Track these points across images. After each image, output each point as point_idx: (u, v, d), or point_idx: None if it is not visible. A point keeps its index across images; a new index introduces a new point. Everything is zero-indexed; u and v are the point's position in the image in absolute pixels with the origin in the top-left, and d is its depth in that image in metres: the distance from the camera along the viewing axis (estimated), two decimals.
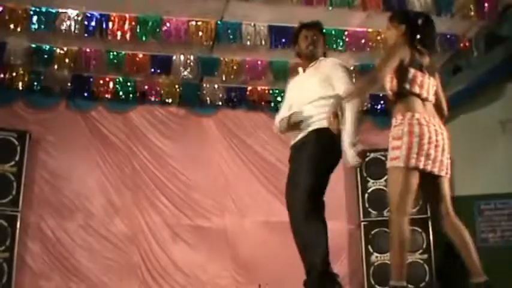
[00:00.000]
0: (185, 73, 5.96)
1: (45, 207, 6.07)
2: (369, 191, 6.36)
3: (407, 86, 2.94)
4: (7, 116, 6.10)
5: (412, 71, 2.96)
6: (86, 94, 6.35)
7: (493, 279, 2.88)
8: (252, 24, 5.45)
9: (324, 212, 3.19)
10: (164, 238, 6.32)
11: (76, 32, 5.18)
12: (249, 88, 6.63)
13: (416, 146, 2.80)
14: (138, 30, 5.29)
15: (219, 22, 5.42)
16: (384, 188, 5.72)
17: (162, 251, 6.26)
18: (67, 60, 5.78)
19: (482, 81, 5.69)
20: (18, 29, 5.13)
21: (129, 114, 6.57)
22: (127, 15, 5.29)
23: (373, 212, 6.27)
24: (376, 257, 6.15)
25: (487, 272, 2.89)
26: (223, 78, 6.17)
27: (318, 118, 3.26)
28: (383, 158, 5.97)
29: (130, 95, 6.42)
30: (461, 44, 5.66)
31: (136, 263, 6.18)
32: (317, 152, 3.20)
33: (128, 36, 5.29)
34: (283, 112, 3.59)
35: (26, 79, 6.05)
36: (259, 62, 6.09)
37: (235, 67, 6.05)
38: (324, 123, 3.17)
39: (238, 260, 6.35)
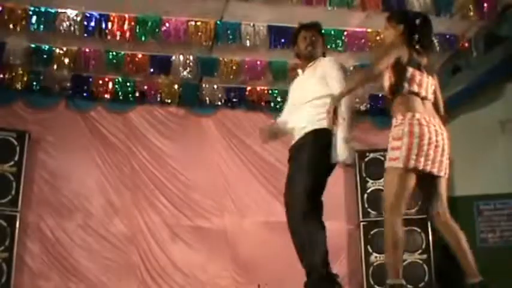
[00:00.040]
0: (184, 73, 5.96)
1: (45, 207, 6.07)
2: (368, 191, 6.36)
3: (406, 85, 2.94)
4: (6, 116, 6.11)
5: (410, 69, 2.96)
6: (85, 94, 6.34)
7: (493, 280, 2.89)
8: (252, 24, 5.45)
9: (322, 212, 3.19)
10: (163, 238, 6.32)
11: (75, 32, 5.18)
12: (249, 88, 6.63)
13: (416, 147, 2.80)
14: (137, 30, 5.29)
15: (218, 22, 5.42)
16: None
17: (161, 251, 6.26)
18: (66, 60, 5.78)
19: (481, 81, 5.69)
20: (18, 29, 5.13)
21: (129, 115, 6.56)
22: (126, 15, 5.29)
23: (373, 212, 6.27)
24: (376, 257, 6.15)
25: (487, 272, 2.89)
26: (223, 79, 6.18)
27: (317, 118, 3.26)
28: (382, 158, 5.97)
29: (130, 95, 6.42)
30: (461, 44, 5.66)
31: (136, 263, 6.17)
32: (316, 153, 3.20)
33: (127, 36, 5.29)
34: (284, 114, 3.63)
35: (25, 79, 6.05)
36: (258, 62, 6.09)
37: (234, 67, 6.05)
38: (323, 124, 3.18)
39: (238, 260, 6.35)
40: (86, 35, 5.24)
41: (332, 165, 3.27)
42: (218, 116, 6.73)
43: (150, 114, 6.62)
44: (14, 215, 5.60)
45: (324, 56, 3.59)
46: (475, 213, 5.94)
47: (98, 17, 5.24)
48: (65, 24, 5.15)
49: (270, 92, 6.64)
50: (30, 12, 5.11)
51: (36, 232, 5.97)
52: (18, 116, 6.19)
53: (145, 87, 6.43)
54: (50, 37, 5.49)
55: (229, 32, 5.43)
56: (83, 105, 6.42)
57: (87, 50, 5.80)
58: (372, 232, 6.21)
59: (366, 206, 6.33)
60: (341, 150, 3.12)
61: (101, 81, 6.31)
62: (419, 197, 3.12)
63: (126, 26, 5.27)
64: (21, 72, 6.00)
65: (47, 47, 5.74)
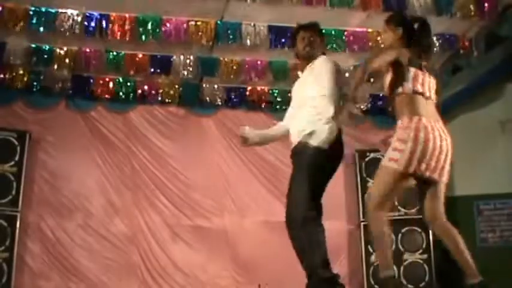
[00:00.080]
0: (185, 73, 5.96)
1: (45, 207, 6.08)
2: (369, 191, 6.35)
3: (410, 85, 2.94)
4: (7, 116, 6.11)
5: (412, 69, 2.97)
6: (85, 94, 6.34)
7: (492, 279, 2.89)
8: (252, 24, 5.45)
9: (321, 215, 3.18)
10: (164, 238, 6.32)
11: (76, 32, 5.18)
12: (249, 88, 6.63)
13: (419, 153, 2.81)
14: (137, 30, 5.29)
15: (218, 22, 5.42)
16: None
17: (161, 251, 6.27)
18: (67, 60, 5.78)
19: (482, 81, 5.69)
20: (18, 29, 5.13)
21: (129, 114, 6.57)
22: (127, 15, 5.29)
23: None
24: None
25: (486, 271, 2.90)
26: (223, 78, 6.18)
27: (317, 118, 3.22)
28: (382, 158, 5.96)
29: (130, 95, 6.41)
30: (461, 44, 5.65)
31: (136, 263, 6.18)
32: (315, 156, 3.16)
33: (127, 36, 5.28)
34: (287, 117, 3.62)
35: (25, 79, 6.05)
36: (259, 62, 6.09)
37: (235, 67, 6.04)
38: (322, 124, 3.16)
39: (238, 260, 6.35)
40: (86, 35, 5.24)
41: (332, 166, 3.25)
42: (218, 116, 6.73)
43: (151, 114, 6.62)
44: (15, 215, 5.60)
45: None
46: (475, 213, 5.95)
47: (98, 17, 5.24)
48: (65, 24, 5.15)
49: (270, 92, 6.64)
50: (31, 12, 5.11)
51: (37, 232, 5.98)
52: (19, 116, 6.19)
53: (146, 87, 6.42)
54: (50, 37, 5.49)
55: (229, 31, 5.43)
56: (83, 105, 6.43)
57: (87, 50, 5.80)
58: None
59: None
60: (343, 116, 3.06)
61: (101, 81, 6.31)
62: (419, 197, 3.13)
63: (126, 26, 5.27)
64: (21, 72, 6.00)
65: (47, 47, 5.74)
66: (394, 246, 6.18)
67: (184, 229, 6.39)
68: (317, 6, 4.84)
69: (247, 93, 6.64)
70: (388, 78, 3.04)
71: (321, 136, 3.17)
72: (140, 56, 5.92)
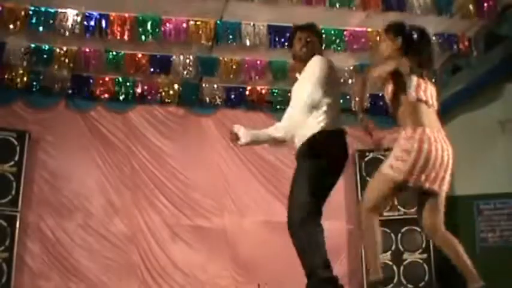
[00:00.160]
0: (184, 73, 5.95)
1: (45, 207, 6.08)
2: None
3: (413, 93, 2.94)
4: (6, 115, 6.11)
5: (414, 78, 2.97)
6: (85, 94, 6.34)
7: (492, 279, 2.90)
8: (252, 24, 5.45)
9: (320, 215, 3.17)
10: (164, 238, 6.32)
11: (75, 31, 5.18)
12: (248, 88, 6.63)
13: (421, 164, 2.82)
14: (137, 30, 5.29)
15: (218, 22, 5.42)
16: None
17: (161, 250, 6.27)
18: (66, 60, 5.77)
19: (481, 81, 5.69)
20: (18, 29, 5.12)
21: (129, 114, 6.57)
22: (126, 15, 5.28)
23: None
24: None
25: (486, 271, 2.90)
26: (223, 78, 6.18)
27: (317, 121, 3.18)
28: (382, 158, 5.95)
29: (130, 95, 6.41)
30: (461, 44, 5.65)
31: (136, 263, 6.18)
32: (315, 160, 3.13)
33: (127, 36, 5.28)
34: (285, 118, 3.58)
35: (25, 79, 6.05)
36: (258, 62, 6.09)
37: (234, 67, 6.04)
38: (321, 126, 3.16)
39: (238, 260, 6.35)
40: (86, 34, 5.24)
41: (332, 166, 3.22)
42: (218, 115, 6.73)
43: (150, 113, 6.62)
44: (14, 215, 5.60)
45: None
46: (475, 213, 5.95)
47: (98, 16, 5.24)
48: (64, 24, 5.15)
49: (270, 91, 6.64)
50: (30, 12, 5.10)
51: (37, 232, 5.97)
52: (18, 116, 6.19)
53: (145, 87, 6.42)
54: (50, 37, 5.49)
55: (229, 31, 5.43)
56: (82, 105, 6.43)
57: (87, 49, 5.80)
58: None
59: None
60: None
61: (101, 81, 6.31)
62: (417, 207, 3.15)
63: (126, 26, 5.27)
64: (21, 72, 6.00)
65: (47, 46, 5.74)
66: (394, 246, 6.20)
67: (184, 229, 6.39)
68: (317, 6, 4.84)
69: (247, 93, 6.64)
70: (389, 88, 3.04)
71: (321, 138, 3.14)
72: (140, 55, 5.92)
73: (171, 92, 6.46)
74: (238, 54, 5.92)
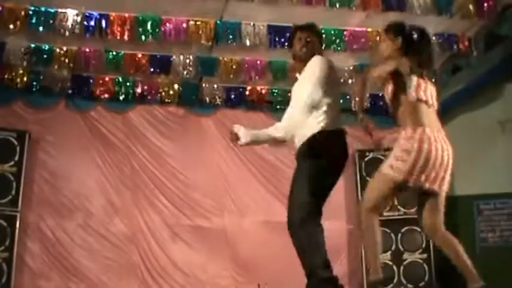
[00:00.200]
0: (184, 73, 5.96)
1: (45, 207, 6.08)
2: None
3: (414, 93, 2.94)
4: (6, 115, 6.11)
5: (414, 78, 2.97)
6: (85, 94, 6.34)
7: (492, 279, 2.90)
8: (252, 24, 5.45)
9: (320, 214, 3.16)
10: (164, 238, 6.32)
11: (75, 31, 5.18)
12: (248, 88, 6.63)
13: (421, 164, 2.82)
14: (137, 30, 5.29)
15: (218, 22, 5.42)
16: None
17: (161, 250, 6.27)
18: (66, 60, 5.78)
19: (481, 81, 5.69)
20: (18, 29, 5.12)
21: (129, 114, 6.57)
22: (126, 15, 5.28)
23: None
24: None
25: (486, 271, 2.90)
26: (223, 78, 6.18)
27: (317, 121, 3.18)
28: (382, 158, 5.95)
29: (130, 95, 6.41)
30: (461, 44, 5.65)
31: (136, 263, 6.18)
32: (315, 160, 3.12)
33: (127, 36, 5.28)
34: (284, 118, 3.58)
35: (25, 79, 6.05)
36: (258, 62, 6.09)
37: (234, 67, 6.05)
38: (321, 126, 3.15)
39: (238, 260, 6.35)
40: (86, 34, 5.24)
41: (336, 169, 3.22)
42: (218, 115, 6.73)
43: (150, 113, 6.62)
44: (14, 215, 5.60)
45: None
46: (475, 213, 5.95)
47: (98, 16, 5.24)
48: (64, 24, 5.15)
49: (270, 91, 6.64)
50: (30, 12, 5.10)
51: (37, 232, 5.98)
52: (18, 116, 6.19)
53: (145, 87, 6.43)
54: (50, 37, 5.49)
55: (229, 31, 5.43)
56: (82, 105, 6.43)
57: (87, 49, 5.80)
58: None
59: None
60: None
61: (101, 81, 6.31)
62: (416, 207, 3.15)
63: (126, 26, 5.27)
64: (21, 72, 6.00)
65: (47, 46, 5.74)
66: (394, 246, 6.20)
67: (184, 229, 6.39)
68: (317, 6, 4.84)
69: (247, 93, 6.64)
70: (389, 88, 3.04)
71: (321, 139, 3.14)
72: (140, 55, 5.92)
73: (171, 92, 6.47)
74: (238, 54, 5.92)
